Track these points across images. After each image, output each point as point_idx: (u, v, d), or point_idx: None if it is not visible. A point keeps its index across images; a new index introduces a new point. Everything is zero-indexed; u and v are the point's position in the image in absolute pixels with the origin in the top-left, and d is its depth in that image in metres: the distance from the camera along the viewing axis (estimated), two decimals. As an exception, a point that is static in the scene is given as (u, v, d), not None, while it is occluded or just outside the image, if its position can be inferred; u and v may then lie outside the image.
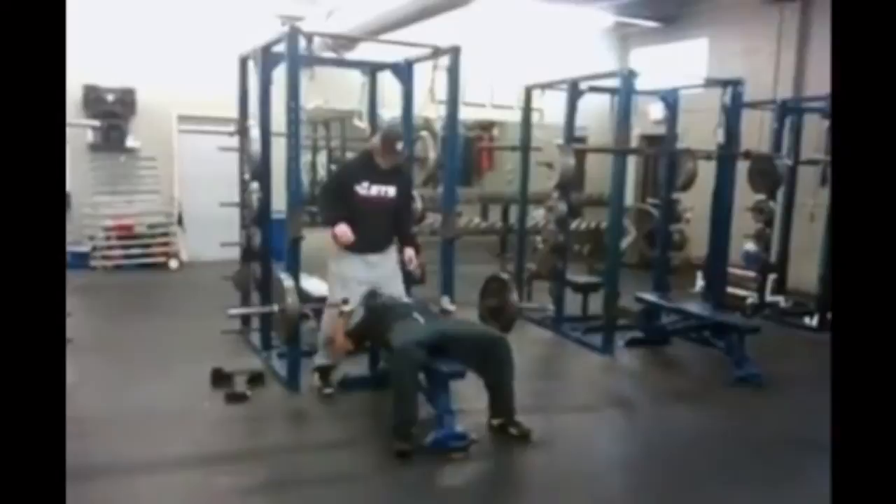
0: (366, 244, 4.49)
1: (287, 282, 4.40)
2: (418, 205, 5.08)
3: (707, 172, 6.45)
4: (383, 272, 4.59)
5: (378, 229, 4.53)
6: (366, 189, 4.44)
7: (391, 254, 4.66)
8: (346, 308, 4.31)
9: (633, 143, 6.42)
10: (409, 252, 4.67)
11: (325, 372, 4.70)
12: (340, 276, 4.55)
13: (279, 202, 4.96)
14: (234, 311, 4.97)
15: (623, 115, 5.80)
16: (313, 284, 5.28)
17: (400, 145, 4.45)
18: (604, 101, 6.54)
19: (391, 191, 4.53)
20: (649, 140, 9.64)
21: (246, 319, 5.87)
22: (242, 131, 5.55)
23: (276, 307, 4.54)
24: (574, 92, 6.44)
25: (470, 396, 4.19)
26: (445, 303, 4.64)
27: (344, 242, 4.31)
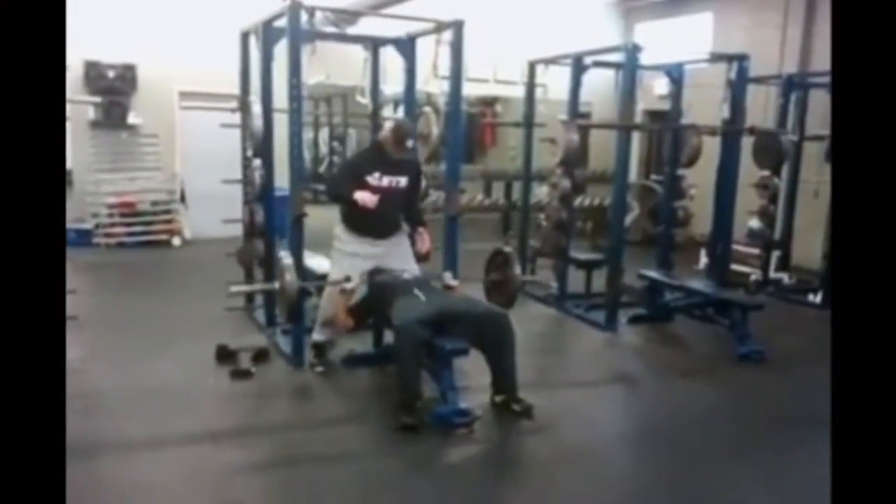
0: (374, 231, 4.53)
1: (286, 259, 4.39)
2: (422, 182, 5.06)
3: (711, 148, 6.41)
4: (388, 249, 4.59)
5: (387, 218, 4.55)
6: (377, 179, 4.44)
7: (397, 238, 4.67)
8: (349, 286, 4.32)
9: (638, 118, 6.38)
10: (425, 237, 4.69)
11: (320, 349, 4.73)
12: (344, 252, 4.57)
13: (281, 179, 4.94)
14: (235, 289, 4.98)
15: (627, 91, 5.76)
16: (317, 262, 5.28)
17: (410, 142, 4.45)
18: (608, 76, 6.48)
19: (402, 181, 4.54)
20: (653, 115, 9.57)
21: (250, 296, 5.88)
22: (244, 107, 5.51)
23: (276, 284, 4.54)
24: (578, 67, 6.39)
25: (473, 373, 4.20)
26: (448, 278, 4.65)
27: (369, 206, 4.31)
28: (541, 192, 7.53)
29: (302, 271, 4.51)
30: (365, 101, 5.53)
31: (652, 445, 3.97)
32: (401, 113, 5.35)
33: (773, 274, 7.70)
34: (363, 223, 4.50)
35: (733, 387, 4.86)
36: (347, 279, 4.34)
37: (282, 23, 4.65)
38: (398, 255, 4.63)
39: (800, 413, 4.28)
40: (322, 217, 4.94)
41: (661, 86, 8.50)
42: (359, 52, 5.44)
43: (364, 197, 4.32)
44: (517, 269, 5.07)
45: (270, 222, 5.40)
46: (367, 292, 4.39)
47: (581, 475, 3.53)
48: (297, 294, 4.35)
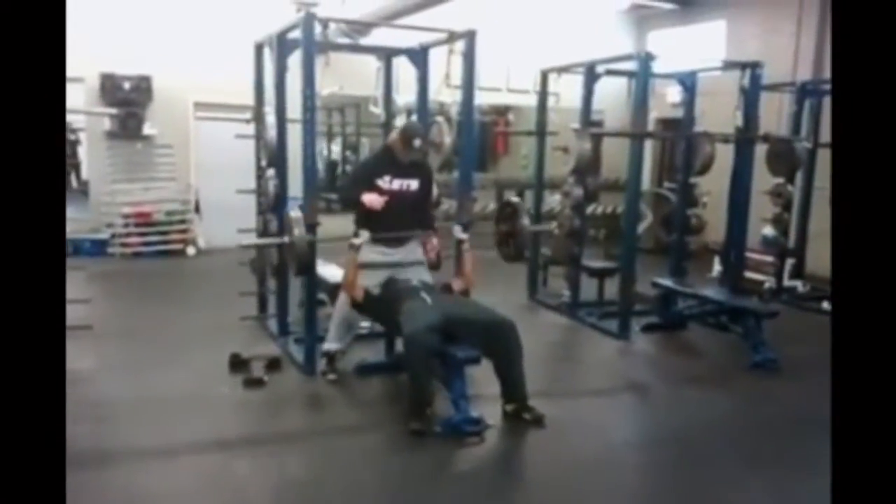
0: (387, 238, 4.52)
1: (295, 213, 4.48)
2: (434, 190, 5.09)
3: (725, 156, 6.39)
4: (401, 258, 4.58)
5: (399, 222, 4.50)
6: (387, 183, 4.45)
7: (411, 246, 4.67)
8: (357, 241, 4.31)
9: (651, 126, 6.39)
10: (434, 241, 4.71)
11: (331, 358, 4.74)
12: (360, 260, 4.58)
13: (295, 189, 4.97)
14: (247, 242, 5.10)
15: (640, 99, 5.76)
16: (330, 271, 5.30)
17: (418, 142, 4.45)
18: (620, 84, 6.48)
19: (413, 184, 4.55)
20: (666, 123, 9.57)
21: (263, 306, 5.92)
22: (258, 118, 5.56)
23: (286, 238, 4.58)
24: (590, 75, 6.39)
25: (484, 381, 4.20)
26: (457, 231, 4.62)
27: (376, 207, 4.34)
28: (553, 200, 7.53)
29: (314, 229, 4.50)
30: (378, 110, 5.56)
31: (664, 454, 3.94)
32: (413, 122, 5.36)
33: (787, 282, 7.66)
34: (376, 229, 4.49)
35: (746, 395, 4.82)
36: (356, 235, 4.34)
37: (296, 34, 4.69)
38: (411, 265, 4.62)
39: (813, 421, 4.23)
40: (334, 226, 4.94)
41: (674, 94, 8.51)
42: (372, 63, 5.48)
43: (371, 198, 4.34)
44: (525, 220, 5.25)
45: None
46: (380, 293, 4.37)
47: (592, 483, 3.51)
48: (307, 247, 4.39)
